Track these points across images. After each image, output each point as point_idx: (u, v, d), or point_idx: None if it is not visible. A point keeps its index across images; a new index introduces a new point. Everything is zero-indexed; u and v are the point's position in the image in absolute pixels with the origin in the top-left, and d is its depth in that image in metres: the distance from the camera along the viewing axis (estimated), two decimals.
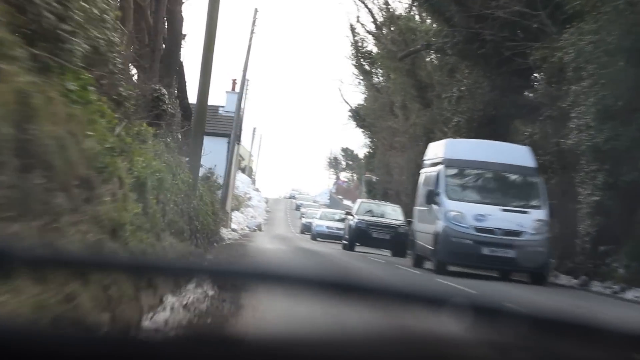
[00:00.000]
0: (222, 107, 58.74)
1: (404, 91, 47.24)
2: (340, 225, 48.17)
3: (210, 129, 59.29)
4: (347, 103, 64.57)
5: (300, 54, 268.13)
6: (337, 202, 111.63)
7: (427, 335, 1.34)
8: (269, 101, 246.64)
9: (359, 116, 60.94)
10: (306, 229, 61.91)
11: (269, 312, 7.94)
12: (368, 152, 62.57)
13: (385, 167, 54.61)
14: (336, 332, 1.34)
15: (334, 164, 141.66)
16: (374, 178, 62.52)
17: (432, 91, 43.01)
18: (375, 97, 56.20)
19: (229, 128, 52.67)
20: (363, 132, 61.95)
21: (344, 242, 36.90)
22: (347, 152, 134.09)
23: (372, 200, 43.93)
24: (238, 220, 66.30)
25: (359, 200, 41.23)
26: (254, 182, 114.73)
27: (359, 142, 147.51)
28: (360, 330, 1.35)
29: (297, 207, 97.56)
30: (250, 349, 1.30)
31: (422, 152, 48.63)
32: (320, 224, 52.28)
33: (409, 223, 36.23)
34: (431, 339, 1.34)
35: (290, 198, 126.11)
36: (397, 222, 36.08)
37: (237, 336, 1.33)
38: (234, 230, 46.95)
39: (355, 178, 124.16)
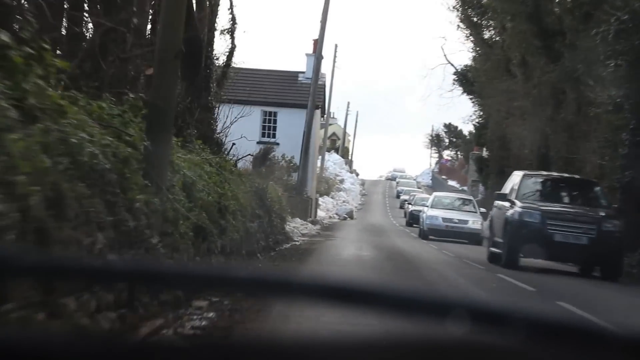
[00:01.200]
0: (302, 73, 49.70)
1: (525, 42, 38.74)
2: (463, 216, 36.17)
3: (288, 99, 50.26)
4: (452, 65, 54.42)
5: (394, 9, 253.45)
6: (440, 182, 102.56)
7: (428, 340, 1.37)
8: (365, 73, 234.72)
9: (466, 80, 51.48)
10: (414, 219, 48.18)
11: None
12: (478, 122, 52.68)
13: (501, 139, 45.52)
14: (343, 337, 1.34)
15: (435, 141, 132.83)
16: (485, 153, 52.79)
17: (563, 40, 35.00)
18: (486, 55, 46.99)
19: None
20: (472, 99, 52.31)
21: (493, 249, 21.99)
22: (450, 129, 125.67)
23: (542, 172, 25.70)
24: (327, 207, 58.01)
25: (517, 173, 23.10)
26: (350, 163, 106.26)
27: (464, 116, 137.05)
28: (365, 336, 1.36)
29: (398, 195, 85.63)
30: (256, 353, 1.34)
31: (550, 117, 39.67)
32: (434, 214, 36.51)
33: (620, 212, 21.34)
34: (433, 344, 1.37)
35: (390, 179, 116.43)
36: (600, 213, 20.43)
37: (243, 342, 1.36)
38: (313, 222, 37.73)
39: (459, 156, 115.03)
